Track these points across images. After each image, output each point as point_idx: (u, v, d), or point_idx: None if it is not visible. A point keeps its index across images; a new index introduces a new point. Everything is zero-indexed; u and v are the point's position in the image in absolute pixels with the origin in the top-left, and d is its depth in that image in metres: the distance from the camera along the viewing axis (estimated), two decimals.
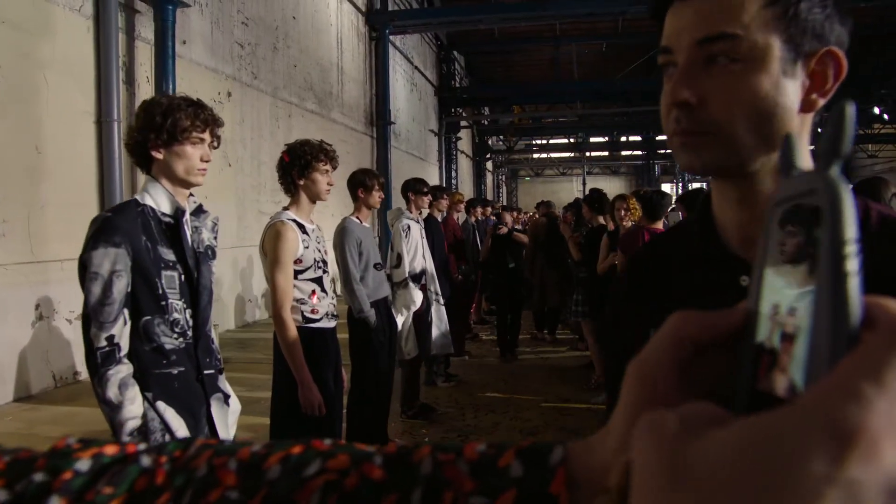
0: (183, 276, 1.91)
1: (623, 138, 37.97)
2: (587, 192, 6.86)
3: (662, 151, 36.24)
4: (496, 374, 6.72)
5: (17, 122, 5.98)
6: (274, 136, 10.79)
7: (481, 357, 7.62)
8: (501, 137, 33.80)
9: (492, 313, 10.84)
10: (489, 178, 35.54)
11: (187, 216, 1.99)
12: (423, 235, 5.13)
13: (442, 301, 5.36)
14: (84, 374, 6.60)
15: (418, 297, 4.84)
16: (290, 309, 2.74)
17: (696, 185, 28.55)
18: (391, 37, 16.59)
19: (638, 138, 36.84)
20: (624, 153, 41.52)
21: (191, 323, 1.93)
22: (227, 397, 2.04)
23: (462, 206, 7.52)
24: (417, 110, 20.58)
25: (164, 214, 1.93)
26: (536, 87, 25.56)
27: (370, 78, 16.03)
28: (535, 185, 44.93)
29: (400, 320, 4.79)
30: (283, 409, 2.79)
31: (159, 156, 1.93)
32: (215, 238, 2.08)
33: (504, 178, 42.84)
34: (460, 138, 25.21)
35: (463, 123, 25.49)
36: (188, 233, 1.96)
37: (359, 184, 4.01)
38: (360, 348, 3.96)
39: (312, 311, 2.82)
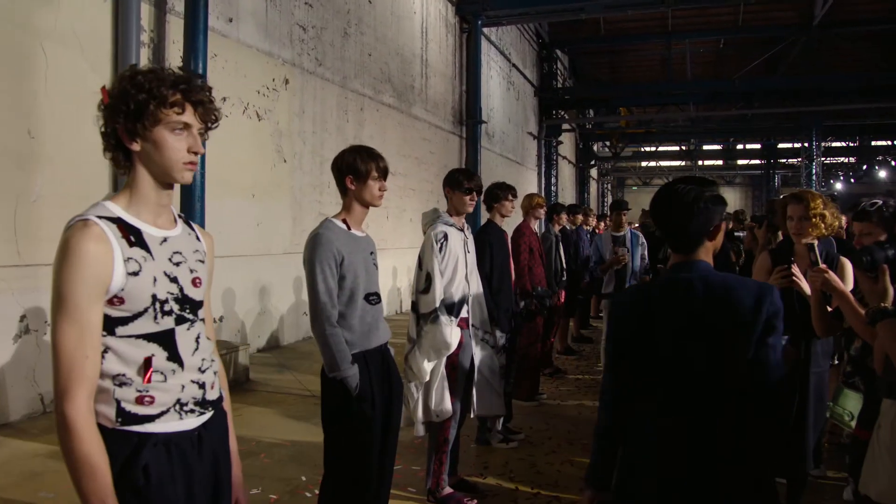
0: None
1: (739, 146, 35.20)
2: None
3: (784, 161, 33.27)
4: (577, 429, 5.19)
5: (4, 100, 5.03)
6: (341, 131, 9.68)
7: (560, 401, 6.10)
8: (607, 143, 31.85)
9: (582, 340, 9.29)
10: (593, 186, 33.57)
11: None
12: (470, 249, 3.72)
13: (492, 341, 3.90)
14: None
15: (454, 335, 3.42)
16: (84, 395, 1.40)
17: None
18: (485, 29, 15.30)
19: (757, 146, 33.97)
20: (740, 162, 38.61)
21: None
22: None
23: (541, 212, 6.03)
24: (514, 111, 19.15)
25: None
26: (645, 87, 23.55)
27: (459, 72, 14.76)
28: (642, 194, 42.43)
29: (427, 368, 3.40)
30: None
31: None
32: None
33: (610, 187, 40.65)
34: (562, 142, 23.56)
35: (565, 127, 23.84)
36: None
37: (347, 169, 2.65)
38: (333, 421, 2.60)
39: (141, 401, 1.47)
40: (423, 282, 3.43)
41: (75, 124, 5.54)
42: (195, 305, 1.60)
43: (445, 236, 3.50)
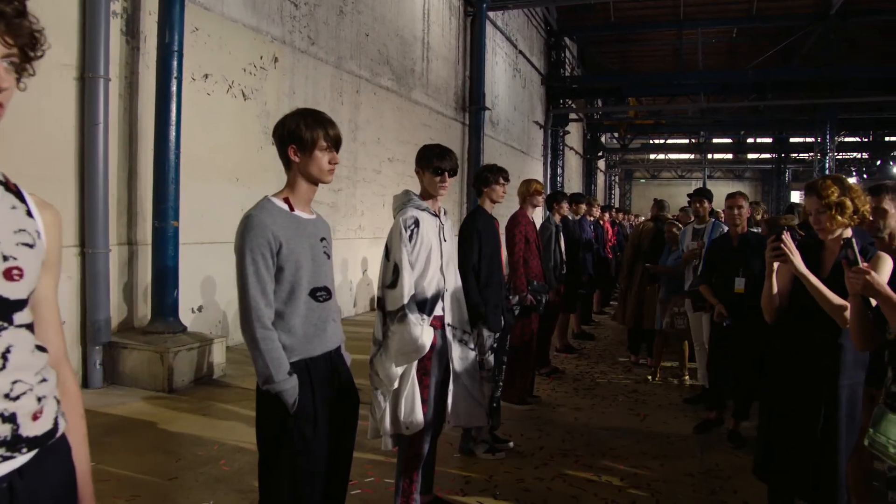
0: None
1: (750, 140, 34.54)
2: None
3: (795, 155, 32.61)
4: (571, 438, 4.77)
5: None
6: (335, 113, 9.21)
7: (556, 405, 5.66)
8: (615, 134, 31.27)
9: (583, 337, 8.84)
10: (601, 177, 33.02)
11: None
12: (447, 237, 3.28)
13: (473, 343, 3.45)
14: None
15: (426, 336, 2.99)
16: None
17: None
18: (490, 13, 14.80)
19: (768, 139, 33.29)
20: (750, 156, 38.00)
21: None
22: None
23: (540, 199, 5.58)
24: (520, 99, 18.65)
25: None
26: (655, 76, 22.97)
27: (463, 57, 14.27)
28: (649, 187, 41.98)
29: (396, 373, 2.98)
30: None
31: None
32: None
33: (617, 179, 40.07)
34: (569, 132, 23.03)
35: (572, 116, 23.29)
36: None
37: (290, 138, 2.21)
38: (268, 442, 2.18)
39: None
40: (391, 275, 2.99)
41: (36, 99, 5.13)
42: (8, 306, 1.17)
43: (417, 222, 3.05)
